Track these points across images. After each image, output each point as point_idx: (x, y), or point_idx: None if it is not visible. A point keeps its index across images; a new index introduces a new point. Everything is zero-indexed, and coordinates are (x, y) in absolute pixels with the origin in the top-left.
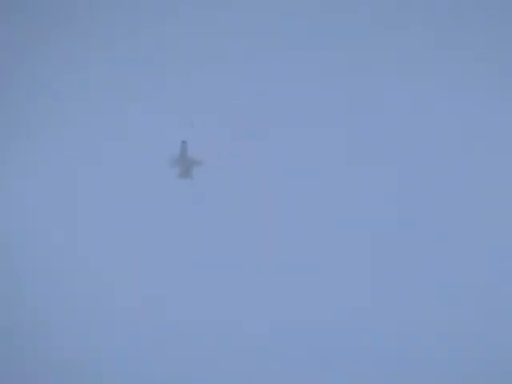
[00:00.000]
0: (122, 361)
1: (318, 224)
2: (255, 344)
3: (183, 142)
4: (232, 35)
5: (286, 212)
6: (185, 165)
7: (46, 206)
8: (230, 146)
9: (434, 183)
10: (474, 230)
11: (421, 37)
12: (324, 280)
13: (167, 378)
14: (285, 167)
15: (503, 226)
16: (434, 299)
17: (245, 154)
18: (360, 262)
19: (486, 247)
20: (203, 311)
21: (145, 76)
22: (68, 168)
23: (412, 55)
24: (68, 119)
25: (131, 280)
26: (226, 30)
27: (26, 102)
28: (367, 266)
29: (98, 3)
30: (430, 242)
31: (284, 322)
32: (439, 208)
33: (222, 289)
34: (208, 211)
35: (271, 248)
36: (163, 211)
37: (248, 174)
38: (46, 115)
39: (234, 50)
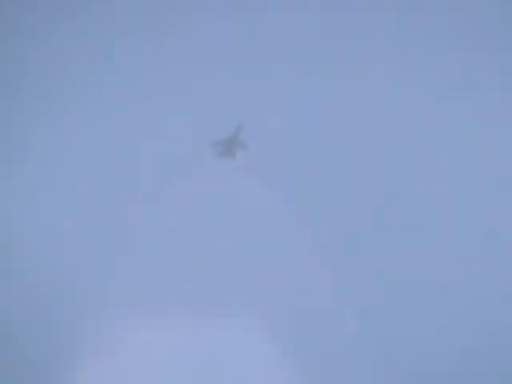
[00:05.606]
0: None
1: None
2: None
3: (239, 124)
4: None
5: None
6: (231, 145)
7: (45, 203)
8: None
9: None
10: (474, 228)
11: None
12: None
13: None
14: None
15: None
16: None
17: None
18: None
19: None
20: None
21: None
22: (69, 163)
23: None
24: (69, 112)
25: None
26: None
27: (29, 98)
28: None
29: (98, 3)
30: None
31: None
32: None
33: None
34: None
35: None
36: (161, 212)
37: None
38: (46, 108)
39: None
